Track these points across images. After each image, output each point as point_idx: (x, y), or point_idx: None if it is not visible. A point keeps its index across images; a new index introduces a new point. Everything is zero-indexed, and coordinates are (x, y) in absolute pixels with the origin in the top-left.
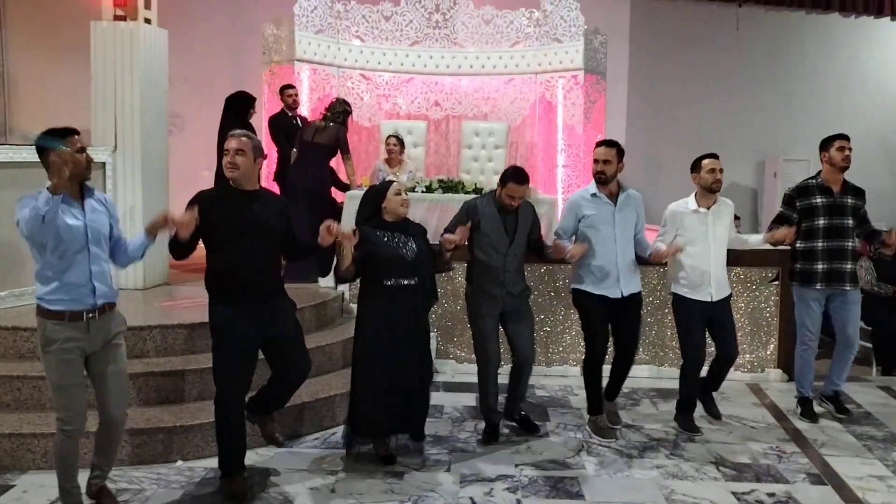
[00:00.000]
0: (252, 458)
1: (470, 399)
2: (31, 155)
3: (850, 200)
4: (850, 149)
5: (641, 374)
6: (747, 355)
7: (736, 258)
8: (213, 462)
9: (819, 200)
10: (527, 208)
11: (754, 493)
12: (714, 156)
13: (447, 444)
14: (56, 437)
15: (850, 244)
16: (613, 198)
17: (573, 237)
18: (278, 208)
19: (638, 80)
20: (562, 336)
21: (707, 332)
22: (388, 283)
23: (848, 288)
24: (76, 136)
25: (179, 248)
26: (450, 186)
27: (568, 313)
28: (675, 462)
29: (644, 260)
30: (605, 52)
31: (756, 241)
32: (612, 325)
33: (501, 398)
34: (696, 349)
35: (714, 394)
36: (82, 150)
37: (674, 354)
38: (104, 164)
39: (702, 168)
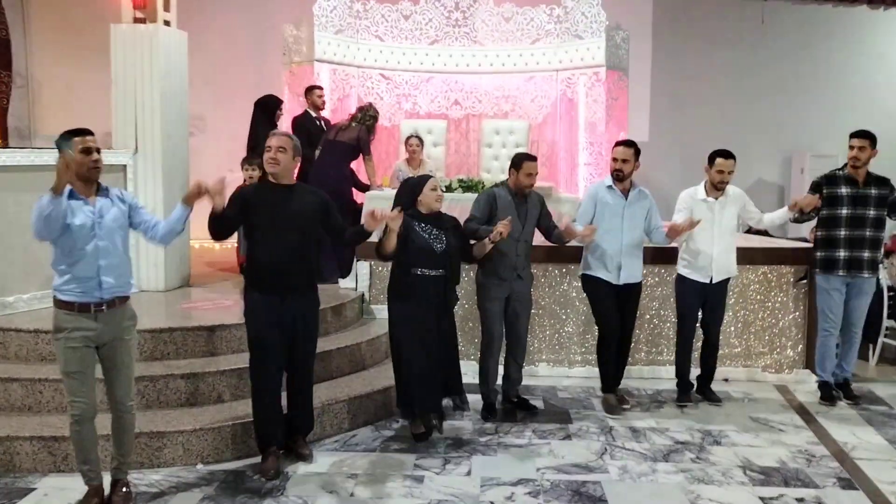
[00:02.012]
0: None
1: None
2: (52, 158)
3: (873, 191)
4: (860, 147)
5: (667, 376)
6: (775, 355)
7: (764, 257)
8: (234, 465)
9: (844, 190)
10: (535, 197)
11: (783, 497)
12: (726, 155)
13: (468, 448)
14: (70, 426)
15: (869, 233)
16: (626, 193)
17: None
18: (316, 200)
19: (661, 76)
20: (584, 337)
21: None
22: (417, 271)
23: (866, 275)
24: (84, 138)
25: (218, 226)
26: (470, 186)
27: (591, 315)
28: (701, 466)
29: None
30: (628, 48)
31: (780, 214)
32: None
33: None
34: (690, 324)
35: (741, 395)
36: (88, 150)
37: (696, 355)
38: (125, 166)
39: (714, 166)
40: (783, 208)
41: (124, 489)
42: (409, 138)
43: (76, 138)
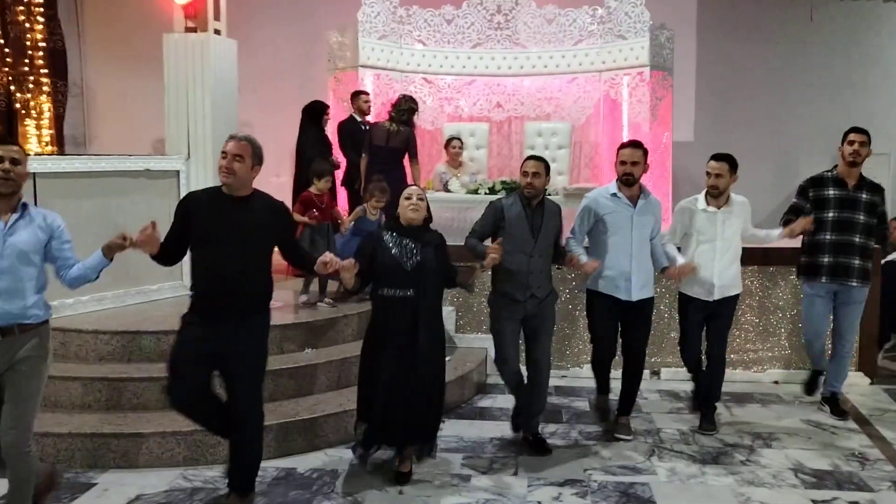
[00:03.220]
0: (321, 458)
1: None
2: (110, 164)
3: (864, 196)
4: (860, 143)
5: None
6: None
7: None
8: (284, 462)
9: (832, 192)
10: (553, 208)
11: (836, 501)
12: (719, 157)
13: (514, 448)
14: None
15: (858, 239)
16: (633, 200)
17: (585, 238)
18: (271, 214)
19: (707, 75)
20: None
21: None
22: (383, 292)
23: (854, 284)
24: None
25: (160, 258)
26: (513, 188)
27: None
28: (751, 468)
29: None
30: (672, 47)
31: (774, 235)
32: (622, 331)
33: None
34: (691, 342)
35: (791, 398)
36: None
37: (746, 357)
38: (178, 171)
39: (707, 169)
40: (777, 230)
41: None
42: (451, 140)
43: None
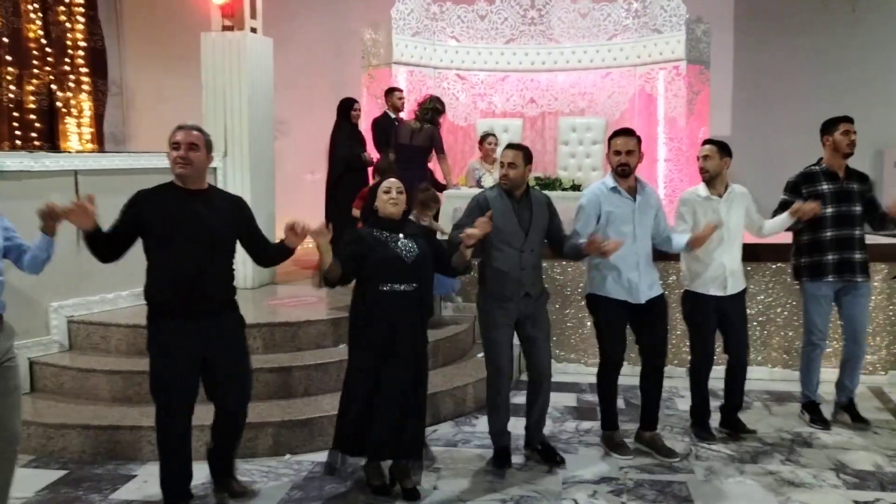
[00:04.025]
0: None
1: (570, 399)
2: (149, 161)
3: (856, 186)
4: (854, 132)
5: (753, 377)
6: (867, 356)
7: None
8: (321, 456)
9: (826, 187)
10: (540, 199)
11: (879, 502)
12: (711, 142)
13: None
14: None
15: (858, 232)
16: (632, 193)
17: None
18: (230, 208)
19: (744, 69)
20: (668, 337)
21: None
22: (384, 287)
23: (859, 279)
24: None
25: (97, 246)
26: (547, 184)
27: (673, 314)
28: (791, 468)
29: (662, 253)
30: (709, 41)
31: (782, 220)
32: (635, 336)
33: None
34: (705, 348)
35: (832, 397)
36: None
37: (787, 356)
38: (215, 169)
39: (698, 153)
40: (784, 214)
41: None
42: (485, 136)
43: None
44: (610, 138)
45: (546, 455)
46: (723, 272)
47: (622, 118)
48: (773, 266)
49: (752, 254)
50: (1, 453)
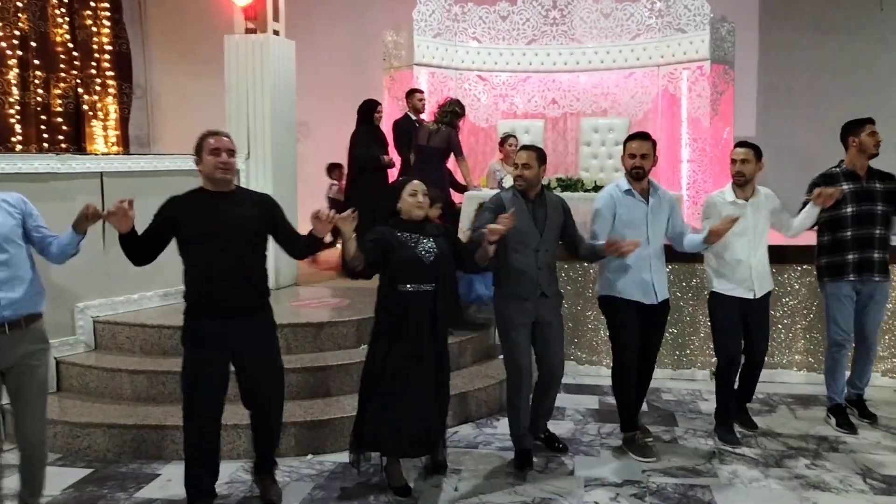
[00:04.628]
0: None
1: (592, 401)
2: (173, 163)
3: (878, 185)
4: (877, 132)
5: (778, 380)
6: (895, 360)
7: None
8: (343, 456)
9: (847, 187)
10: (555, 201)
11: None
12: (745, 144)
13: (570, 447)
14: None
15: (878, 232)
16: (645, 195)
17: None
18: (258, 207)
19: (769, 69)
20: (690, 339)
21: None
22: (404, 288)
23: (877, 279)
24: None
25: (131, 248)
26: (569, 185)
27: (697, 316)
28: (817, 472)
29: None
30: (733, 40)
31: (808, 213)
32: (640, 334)
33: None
34: (732, 350)
35: (854, 401)
36: None
37: (812, 358)
38: (238, 171)
39: (732, 156)
40: (808, 205)
41: None
42: (506, 137)
43: None
44: (625, 141)
45: (549, 443)
46: (749, 275)
47: (645, 119)
48: (800, 268)
49: (779, 256)
50: (26, 455)
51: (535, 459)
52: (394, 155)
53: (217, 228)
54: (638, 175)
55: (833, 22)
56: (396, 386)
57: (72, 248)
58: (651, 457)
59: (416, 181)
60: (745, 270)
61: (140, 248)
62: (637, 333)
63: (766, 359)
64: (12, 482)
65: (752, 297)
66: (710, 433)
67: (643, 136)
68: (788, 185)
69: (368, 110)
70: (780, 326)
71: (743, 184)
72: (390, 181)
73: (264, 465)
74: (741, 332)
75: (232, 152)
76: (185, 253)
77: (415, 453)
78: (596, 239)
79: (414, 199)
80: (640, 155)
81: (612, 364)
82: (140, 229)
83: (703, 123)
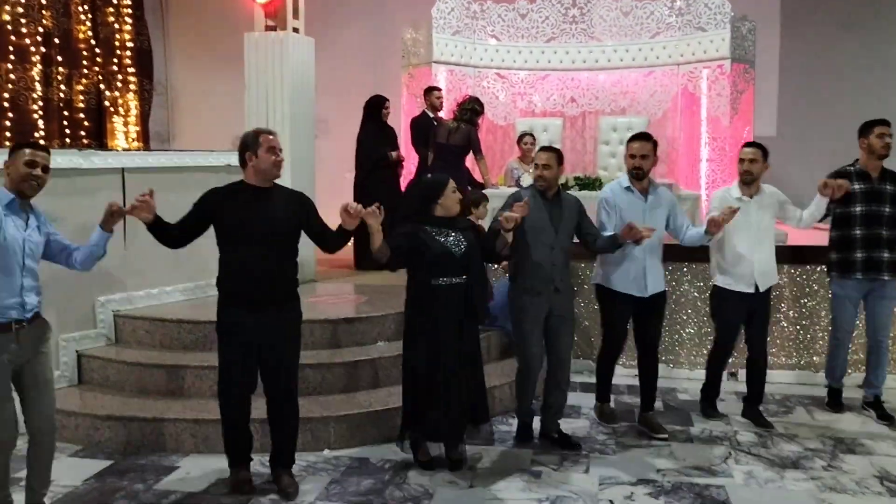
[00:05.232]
0: (394, 449)
1: None
2: (193, 159)
3: (888, 187)
4: (890, 135)
5: (795, 381)
6: None
7: None
8: (359, 451)
9: (857, 186)
10: (571, 200)
11: None
12: (751, 145)
13: (585, 446)
14: None
15: (885, 232)
16: (644, 193)
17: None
18: (294, 203)
19: (791, 68)
20: (707, 339)
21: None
22: (437, 282)
23: (886, 278)
24: (34, 151)
25: (162, 234)
26: (587, 183)
27: (701, 311)
28: (833, 474)
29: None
30: (754, 39)
31: (816, 204)
32: (635, 326)
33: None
34: (727, 341)
35: (871, 402)
36: (33, 164)
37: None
38: None
39: (739, 156)
40: (816, 197)
41: None
42: (522, 136)
43: (27, 150)
44: (628, 141)
45: (563, 442)
46: (751, 270)
47: (665, 117)
48: (818, 269)
49: (798, 256)
50: (38, 442)
51: (548, 456)
52: (410, 152)
53: (257, 223)
54: (637, 175)
55: (855, 20)
56: (432, 376)
57: (100, 249)
58: (613, 423)
59: (451, 179)
60: (746, 266)
61: (173, 234)
62: (626, 325)
63: (784, 360)
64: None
65: (753, 291)
66: (727, 434)
67: (644, 137)
68: (809, 185)
69: (376, 106)
70: (797, 327)
71: (749, 182)
72: (398, 178)
73: (281, 457)
74: (739, 324)
75: (281, 150)
76: (223, 244)
77: (452, 439)
78: (604, 229)
79: (456, 195)
80: (640, 156)
81: (601, 346)
82: (165, 221)
83: (722, 123)
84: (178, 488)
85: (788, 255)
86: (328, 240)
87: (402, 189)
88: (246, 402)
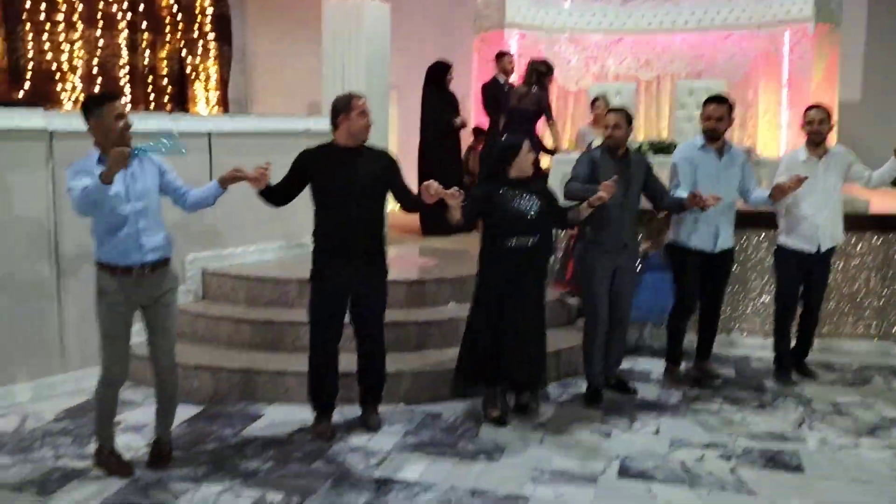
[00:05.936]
0: (466, 406)
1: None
2: (274, 124)
3: None
4: (819, 121)
5: (871, 350)
6: None
7: None
8: (432, 407)
9: None
10: (639, 160)
11: None
12: (817, 107)
13: (655, 409)
14: (97, 386)
15: None
16: (719, 153)
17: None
18: (383, 163)
19: (879, 28)
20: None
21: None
22: (510, 243)
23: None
24: (115, 103)
25: (269, 197)
26: (661, 147)
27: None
28: None
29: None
30: None
31: (886, 166)
32: (701, 281)
33: None
34: (788, 298)
35: None
36: (120, 116)
37: None
38: None
39: (805, 118)
40: (891, 159)
41: (162, 447)
42: (595, 100)
43: (108, 104)
44: (703, 103)
45: (620, 387)
46: (815, 232)
47: (744, 81)
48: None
49: (858, 224)
50: (162, 380)
51: (618, 417)
52: (481, 117)
53: (349, 180)
54: (712, 136)
55: None
56: (502, 328)
57: (210, 199)
58: (685, 386)
59: (527, 140)
60: (810, 227)
61: (278, 195)
62: (698, 280)
63: (862, 330)
64: (131, 417)
65: (814, 251)
66: (801, 400)
67: (719, 100)
68: (889, 145)
69: (441, 72)
70: (879, 298)
71: (819, 142)
72: (459, 143)
73: (368, 397)
74: (800, 283)
75: (369, 113)
76: (318, 200)
77: (517, 387)
78: (675, 189)
79: (531, 156)
80: (715, 118)
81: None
82: (243, 189)
83: (805, 87)
84: (263, 434)
85: (870, 223)
86: (409, 200)
87: (462, 154)
88: (334, 350)
